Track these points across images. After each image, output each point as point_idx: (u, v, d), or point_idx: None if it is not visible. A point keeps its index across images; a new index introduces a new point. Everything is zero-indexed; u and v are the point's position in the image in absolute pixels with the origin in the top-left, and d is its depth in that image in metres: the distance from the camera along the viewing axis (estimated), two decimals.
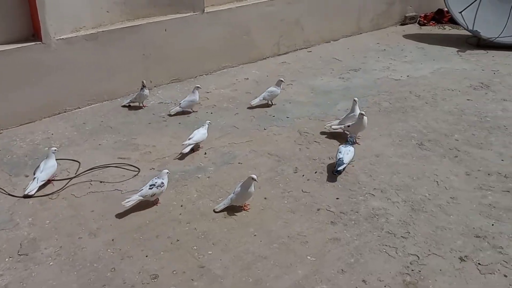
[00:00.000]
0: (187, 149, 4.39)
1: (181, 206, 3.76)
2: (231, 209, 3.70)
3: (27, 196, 3.83)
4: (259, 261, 3.22)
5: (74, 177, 4.07)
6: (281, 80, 5.30)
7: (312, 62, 6.68)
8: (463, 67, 6.53)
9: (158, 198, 3.76)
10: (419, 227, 3.51)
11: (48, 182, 3.98)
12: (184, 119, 5.10)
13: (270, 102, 5.36)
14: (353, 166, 4.23)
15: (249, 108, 5.29)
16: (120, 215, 3.63)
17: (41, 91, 4.88)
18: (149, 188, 3.65)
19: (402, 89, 5.82)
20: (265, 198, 3.85)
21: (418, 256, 3.25)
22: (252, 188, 3.66)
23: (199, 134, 4.49)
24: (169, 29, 5.58)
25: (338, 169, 4.04)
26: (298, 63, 6.63)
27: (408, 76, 6.24)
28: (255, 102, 5.28)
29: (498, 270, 3.12)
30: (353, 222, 3.58)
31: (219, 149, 4.53)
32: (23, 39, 4.75)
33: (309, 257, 3.25)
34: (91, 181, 4.05)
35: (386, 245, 3.35)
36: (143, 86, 5.17)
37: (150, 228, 3.52)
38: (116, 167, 4.23)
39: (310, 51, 7.06)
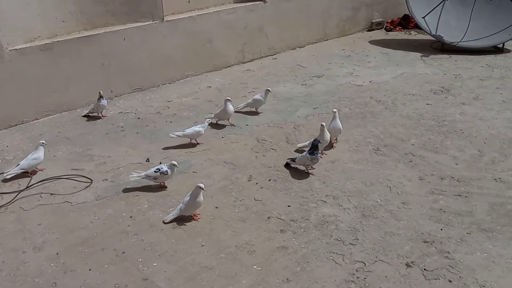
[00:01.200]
0: (174, 135, 4.63)
1: (131, 217, 3.70)
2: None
3: (4, 180, 4.10)
4: (204, 272, 3.19)
5: (24, 189, 4.00)
6: (268, 90, 5.26)
7: (277, 69, 6.70)
8: (425, 72, 6.62)
9: (164, 183, 4.05)
10: (368, 234, 3.51)
11: (27, 173, 4.12)
12: (142, 129, 5.05)
13: (256, 110, 5.38)
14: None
15: (236, 111, 5.25)
16: (67, 229, 3.56)
17: None
18: (154, 171, 3.92)
19: (363, 95, 5.87)
20: (216, 207, 3.82)
21: (364, 263, 3.25)
22: (201, 197, 3.63)
23: (191, 129, 4.65)
24: (128, 38, 5.55)
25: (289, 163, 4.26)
26: (262, 70, 6.65)
27: (370, 81, 6.30)
28: (239, 107, 5.33)
29: (444, 275, 3.12)
30: (302, 229, 3.57)
31: (175, 158, 4.46)
32: None
33: (255, 267, 3.22)
34: (41, 193, 3.98)
35: (333, 253, 3.34)
36: (100, 96, 5.13)
37: (97, 241, 3.46)
38: (68, 178, 4.17)
39: (275, 58, 7.09)
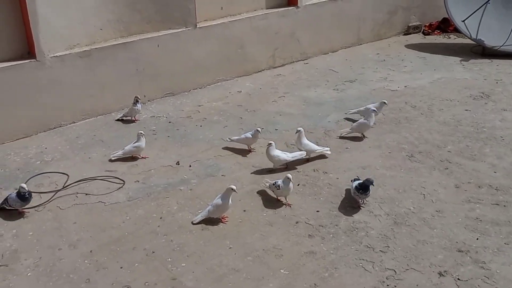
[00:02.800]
0: (231, 138, 4.75)
1: (160, 218, 3.77)
2: (209, 222, 3.70)
3: (110, 160, 4.58)
4: (232, 274, 3.19)
5: (61, 189, 4.15)
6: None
7: (308, 74, 6.65)
8: (465, 77, 6.38)
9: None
10: (400, 241, 3.41)
11: (131, 157, 4.63)
12: (173, 133, 5.15)
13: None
14: (337, 178, 4.18)
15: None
16: (100, 228, 3.67)
17: (36, 107, 5.02)
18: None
19: (398, 100, 5.72)
20: (244, 211, 3.82)
21: (395, 271, 3.15)
22: (230, 200, 3.65)
23: (241, 137, 4.73)
24: (161, 44, 5.68)
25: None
26: (293, 75, 6.62)
27: (405, 86, 6.14)
28: (234, 138, 4.82)
29: (478, 286, 3.00)
30: (331, 235, 3.51)
31: (204, 162, 4.54)
32: (18, 57, 4.91)
33: (282, 271, 3.20)
34: (77, 193, 4.11)
35: (363, 259, 3.27)
36: (136, 101, 5.26)
37: (128, 240, 3.54)
38: (102, 179, 4.30)
39: (307, 63, 7.05)
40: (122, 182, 4.25)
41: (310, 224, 3.64)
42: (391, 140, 4.80)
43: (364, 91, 6.03)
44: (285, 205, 3.86)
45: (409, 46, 7.71)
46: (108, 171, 4.43)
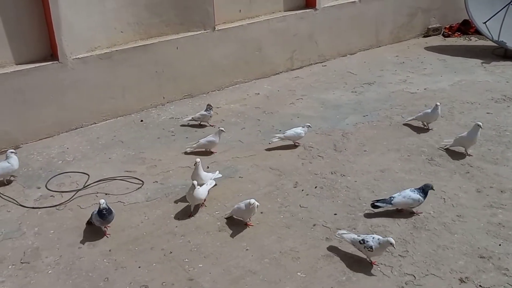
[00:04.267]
0: (274, 139, 4.74)
1: (178, 219, 3.80)
2: (227, 223, 3.71)
3: (185, 153, 4.74)
4: (248, 275, 3.20)
5: (82, 189, 4.23)
6: (221, 130, 4.67)
7: (326, 76, 6.63)
8: (486, 79, 6.26)
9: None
10: (419, 246, 3.35)
11: (206, 150, 4.77)
12: (191, 134, 5.19)
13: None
14: (355, 181, 4.14)
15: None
16: (119, 227, 3.71)
17: (59, 108, 5.13)
18: (359, 242, 3.24)
19: (417, 103, 5.65)
20: (262, 213, 3.82)
21: (414, 276, 3.11)
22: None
23: (291, 131, 4.75)
24: (180, 47, 5.74)
25: (376, 204, 3.67)
26: (311, 77, 6.60)
27: (425, 89, 6.05)
28: (193, 146, 4.80)
29: None
30: None
31: (222, 163, 4.56)
32: (42, 59, 5.03)
33: (299, 274, 3.19)
34: (97, 193, 4.18)
35: (381, 264, 3.23)
36: (209, 108, 5.26)
37: (146, 240, 3.58)
38: (121, 179, 4.36)
39: (325, 66, 7.02)
40: (141, 182, 4.30)
41: (327, 227, 3.62)
42: (411, 143, 4.74)
43: (382, 94, 5.97)
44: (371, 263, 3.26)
45: (429, 49, 7.60)
46: (127, 171, 4.49)
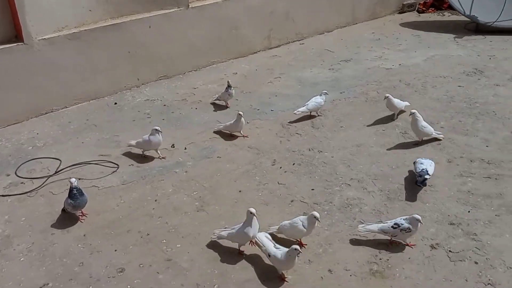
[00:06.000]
0: (298, 110, 4.75)
1: (155, 200, 3.77)
2: (205, 203, 3.70)
3: (215, 131, 4.67)
4: (227, 253, 3.20)
5: (53, 174, 4.14)
6: (240, 114, 4.51)
7: (303, 54, 6.60)
8: (459, 54, 6.34)
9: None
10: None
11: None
12: (168, 116, 5.11)
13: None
14: (332, 157, 4.19)
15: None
16: (94, 211, 3.66)
17: (27, 92, 4.97)
18: (392, 227, 3.11)
19: (392, 78, 5.69)
20: (240, 191, 3.82)
21: (387, 245, 3.18)
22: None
23: (313, 102, 4.77)
24: (153, 25, 5.60)
25: (424, 178, 3.60)
26: (289, 56, 6.57)
27: (400, 64, 6.09)
28: (220, 127, 4.71)
29: (469, 257, 3.03)
30: (325, 212, 3.52)
31: (200, 144, 4.52)
32: (5, 40, 4.82)
33: None
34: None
35: (357, 235, 3.28)
36: (229, 86, 5.11)
37: (122, 223, 3.55)
38: (96, 164, 4.28)
39: (302, 44, 6.98)
40: (116, 166, 4.23)
41: (305, 202, 3.65)
42: (386, 118, 4.78)
43: (359, 70, 5.99)
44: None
45: (404, 25, 7.63)
46: (101, 155, 4.40)
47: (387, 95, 4.66)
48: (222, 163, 4.22)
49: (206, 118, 5.01)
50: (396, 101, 4.68)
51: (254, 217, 3.09)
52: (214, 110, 5.16)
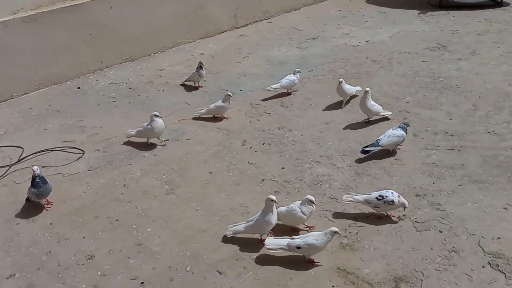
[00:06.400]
0: (271, 87, 4.78)
1: (124, 185, 3.70)
2: (175, 186, 3.66)
3: (194, 118, 4.55)
4: (198, 234, 3.20)
5: (16, 163, 3.99)
6: (229, 95, 4.48)
7: (271, 33, 6.54)
8: (423, 29, 6.43)
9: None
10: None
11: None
12: (134, 99, 4.99)
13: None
14: (302, 135, 4.21)
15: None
16: (60, 199, 3.56)
17: None
18: (377, 198, 3.16)
19: (359, 55, 5.74)
20: (210, 173, 3.80)
21: (357, 219, 3.25)
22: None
23: (286, 79, 4.77)
24: (115, 6, 5.40)
25: (366, 149, 3.77)
26: (256, 35, 6.50)
27: (366, 41, 6.14)
28: (200, 112, 4.57)
29: (434, 226, 3.13)
30: (296, 190, 3.56)
31: (168, 127, 4.41)
32: None
33: None
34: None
35: (326, 210, 3.34)
36: (200, 66, 4.96)
37: (90, 210, 3.47)
38: (60, 150, 4.15)
39: (270, 22, 6.92)
40: (82, 152, 4.12)
41: (275, 181, 3.67)
42: (353, 95, 4.83)
43: (326, 48, 6.00)
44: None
45: (370, 2, 7.66)
46: (66, 141, 4.27)
47: (340, 79, 4.58)
48: (191, 145, 4.17)
49: (174, 100, 4.92)
50: (347, 87, 4.59)
51: (275, 204, 3.02)
52: (183, 92, 5.08)
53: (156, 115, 4.06)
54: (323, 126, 4.34)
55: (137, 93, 5.10)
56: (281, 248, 2.92)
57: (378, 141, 3.80)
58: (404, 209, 3.19)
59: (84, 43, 5.34)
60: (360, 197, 3.26)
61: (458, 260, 2.85)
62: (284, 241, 2.94)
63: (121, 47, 5.65)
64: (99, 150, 4.15)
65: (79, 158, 4.04)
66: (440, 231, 3.08)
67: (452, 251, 2.93)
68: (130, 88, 5.21)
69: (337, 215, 3.28)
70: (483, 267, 2.80)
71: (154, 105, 4.83)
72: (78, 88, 5.21)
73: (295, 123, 4.41)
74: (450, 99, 4.63)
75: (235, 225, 3.15)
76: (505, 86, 4.79)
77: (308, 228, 3.17)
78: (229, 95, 4.43)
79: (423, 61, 5.46)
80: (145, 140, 4.16)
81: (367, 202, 3.22)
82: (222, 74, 5.47)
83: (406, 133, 3.84)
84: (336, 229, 2.87)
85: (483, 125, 4.18)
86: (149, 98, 5.00)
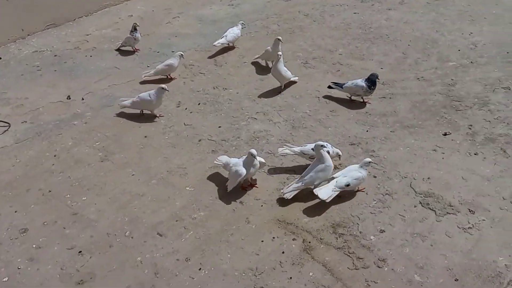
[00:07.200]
0: (218, 42, 4.70)
1: (55, 156, 3.54)
2: (110, 153, 3.55)
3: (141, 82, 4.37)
4: (136, 199, 3.15)
5: None
6: (181, 55, 4.38)
7: None
8: None
9: None
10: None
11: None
12: (60, 66, 4.71)
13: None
14: (237, 93, 4.18)
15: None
16: None
17: None
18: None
19: (292, 10, 5.71)
20: (146, 137, 3.71)
21: (294, 171, 3.32)
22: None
23: (231, 33, 4.71)
24: None
25: (332, 85, 4.02)
26: None
27: None
28: (149, 73, 4.42)
29: (369, 172, 3.23)
30: (234, 147, 3.57)
31: (98, 93, 4.26)
32: None
33: (188, 188, 3.22)
34: None
35: (266, 165, 3.38)
36: (134, 28, 4.68)
37: (20, 183, 3.31)
38: None
39: None
40: (7, 124, 3.88)
41: (213, 140, 3.66)
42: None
43: (258, 4, 5.91)
44: None
45: None
46: None
47: (279, 53, 4.17)
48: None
49: (103, 65, 4.70)
50: (284, 69, 4.16)
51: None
52: (112, 56, 4.84)
53: (163, 89, 3.81)
54: (258, 83, 4.33)
55: (64, 60, 4.81)
56: (333, 191, 2.98)
57: (344, 83, 3.95)
58: (339, 158, 3.32)
59: (1, 10, 4.88)
60: (297, 148, 3.33)
61: (392, 202, 3.01)
62: (330, 185, 3.01)
63: (42, 13, 5.25)
64: (26, 122, 3.92)
65: (5, 131, 3.80)
66: (374, 177, 3.22)
67: (386, 194, 3.09)
68: (55, 56, 4.89)
69: (276, 169, 3.34)
70: (415, 206, 2.98)
71: (82, 71, 4.60)
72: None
73: (230, 82, 4.37)
74: (381, 48, 4.77)
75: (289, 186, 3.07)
76: (433, 33, 4.98)
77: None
78: (181, 55, 4.35)
79: (354, 13, 5.54)
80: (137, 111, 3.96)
81: (303, 153, 3.30)
82: (153, 36, 5.25)
83: (372, 86, 3.87)
84: (369, 159, 3.10)
85: (413, 72, 4.35)
86: (76, 64, 4.73)
